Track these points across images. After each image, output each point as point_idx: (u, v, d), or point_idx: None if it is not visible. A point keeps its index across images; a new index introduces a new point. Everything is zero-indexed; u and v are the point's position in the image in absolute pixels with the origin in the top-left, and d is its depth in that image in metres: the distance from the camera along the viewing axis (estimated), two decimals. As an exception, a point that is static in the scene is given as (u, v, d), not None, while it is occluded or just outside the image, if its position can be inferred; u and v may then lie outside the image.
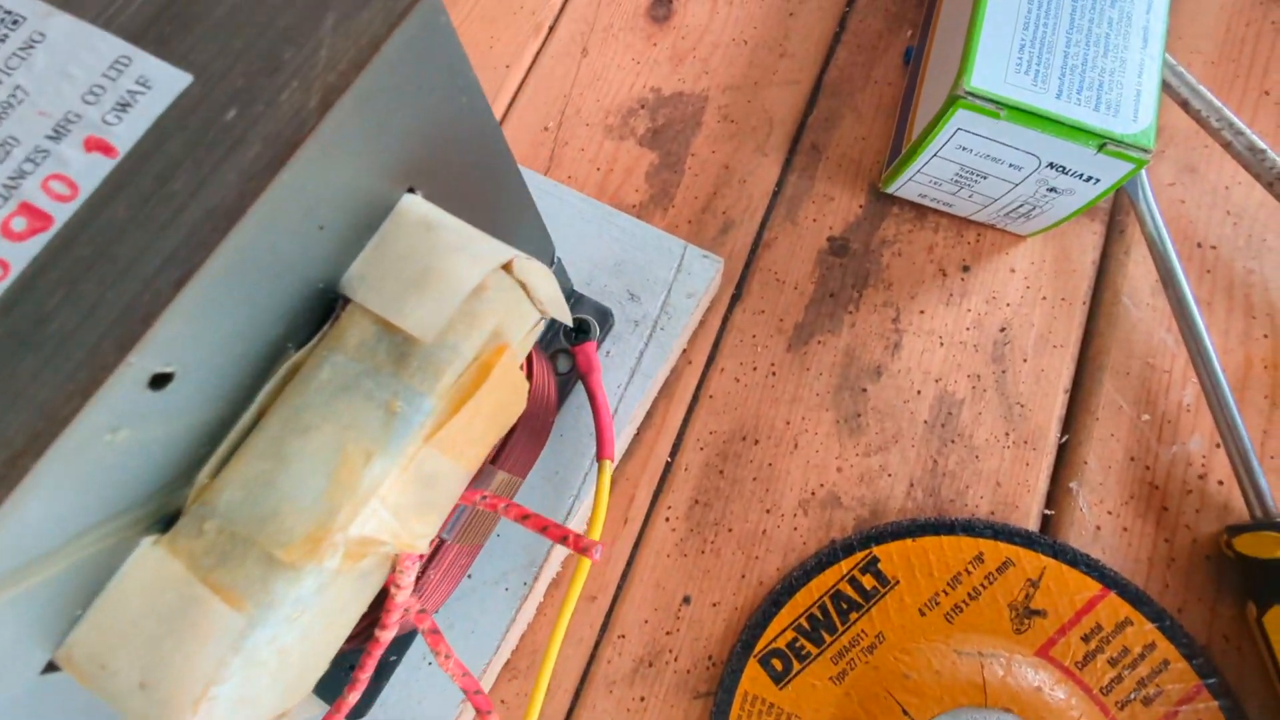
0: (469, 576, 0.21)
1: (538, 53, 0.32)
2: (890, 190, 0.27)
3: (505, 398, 0.13)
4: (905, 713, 0.21)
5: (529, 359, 0.17)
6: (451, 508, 0.14)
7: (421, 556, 0.14)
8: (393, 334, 0.12)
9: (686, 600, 0.24)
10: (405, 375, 0.12)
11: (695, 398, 0.26)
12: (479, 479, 0.16)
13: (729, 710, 0.22)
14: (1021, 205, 0.25)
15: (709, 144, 0.30)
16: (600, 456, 0.21)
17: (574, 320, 0.23)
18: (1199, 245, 0.26)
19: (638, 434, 0.25)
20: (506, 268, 0.13)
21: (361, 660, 0.15)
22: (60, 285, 0.10)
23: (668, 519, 0.25)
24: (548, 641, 0.20)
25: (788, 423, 0.25)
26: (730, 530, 0.24)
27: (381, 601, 0.14)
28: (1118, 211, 0.27)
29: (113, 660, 0.11)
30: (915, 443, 0.25)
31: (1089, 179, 0.22)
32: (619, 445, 0.23)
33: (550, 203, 0.25)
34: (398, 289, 0.12)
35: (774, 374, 0.26)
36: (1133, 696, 0.21)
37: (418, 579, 0.15)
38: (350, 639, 0.15)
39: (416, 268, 0.12)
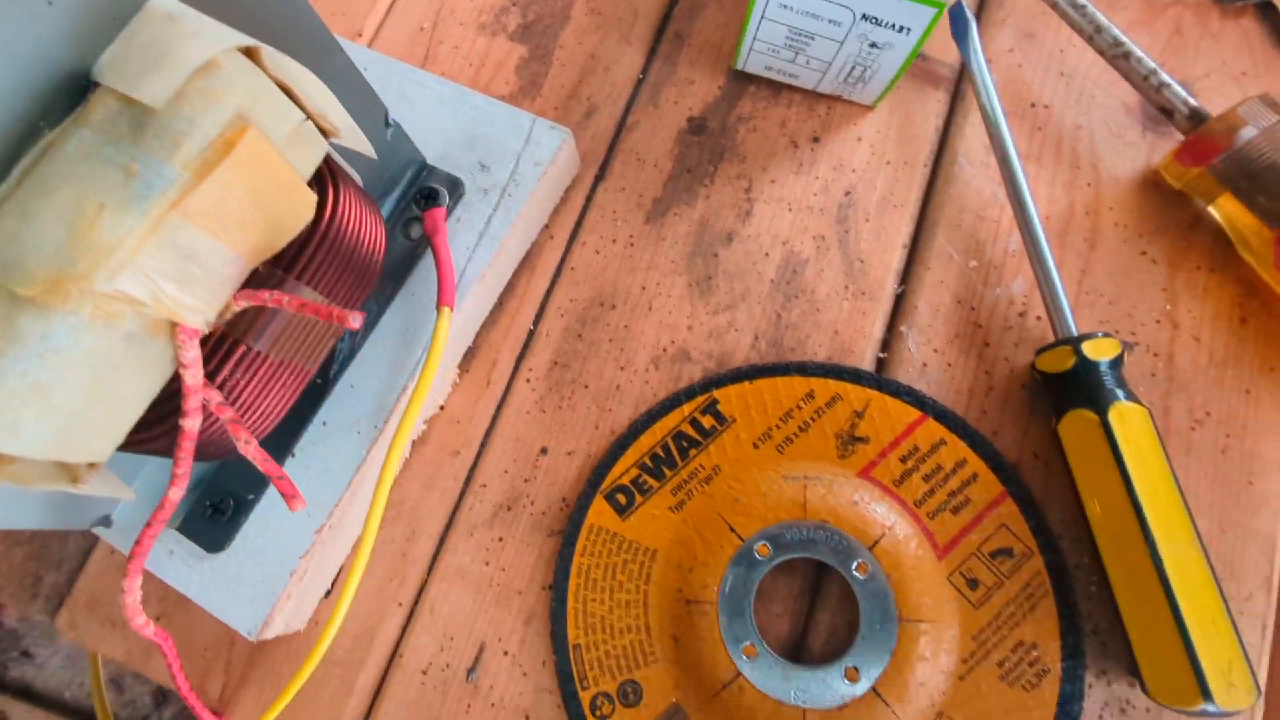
0: (324, 424, 0.23)
1: (413, -42, 0.32)
2: (740, 66, 0.28)
3: (265, 184, 0.15)
4: (733, 530, 0.22)
5: (334, 187, 0.18)
6: (226, 292, 0.15)
7: (197, 333, 0.15)
8: (133, 108, 0.13)
9: (544, 451, 0.25)
10: (143, 143, 0.13)
11: (558, 270, 0.27)
12: (273, 284, 0.17)
13: (575, 541, 0.23)
14: (854, 67, 0.26)
15: (576, 36, 0.31)
16: (440, 303, 0.22)
17: (424, 189, 0.25)
18: (1032, 105, 0.28)
19: (500, 304, 0.27)
20: (252, 55, 0.14)
21: (175, 454, 0.16)
22: None
23: (528, 380, 0.26)
24: (376, 483, 0.22)
25: (643, 288, 0.27)
26: (586, 387, 0.26)
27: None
28: (961, 81, 0.29)
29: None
30: (761, 300, 0.26)
31: (901, 29, 0.23)
32: (472, 307, 0.25)
33: (409, 87, 0.27)
34: (137, 69, 0.13)
35: (632, 245, 0.27)
36: (943, 507, 0.22)
37: (222, 378, 0.17)
38: (155, 436, 0.17)
39: (156, 51, 0.13)
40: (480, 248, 0.24)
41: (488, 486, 0.25)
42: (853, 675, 0.21)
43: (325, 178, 0.18)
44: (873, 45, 0.24)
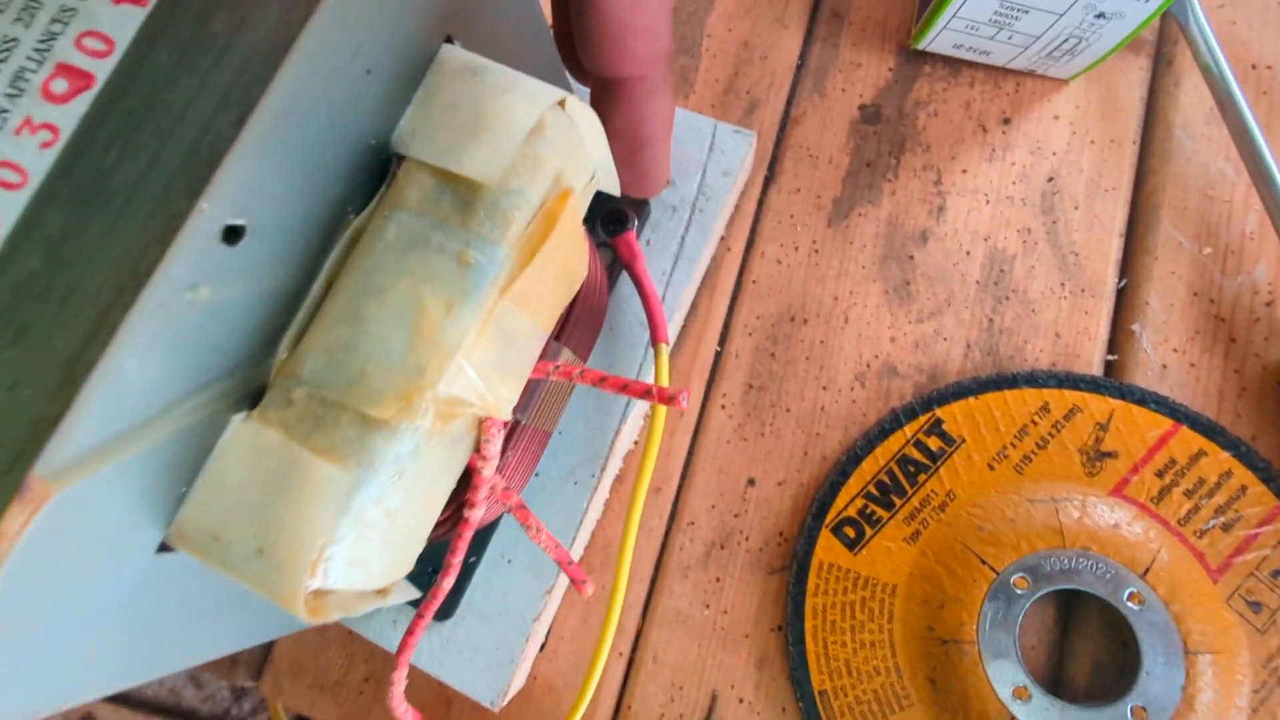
0: (536, 475, 0.21)
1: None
2: (921, 46, 0.25)
3: (571, 252, 0.13)
4: (984, 562, 0.21)
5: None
6: (529, 373, 0.14)
7: (505, 424, 0.13)
8: (454, 184, 0.11)
9: (751, 482, 0.24)
10: (474, 225, 0.11)
11: (738, 284, 0.25)
12: (547, 353, 0.16)
13: (806, 580, 0.22)
14: (1066, 40, 0.23)
15: (724, 22, 0.28)
16: (655, 340, 0.21)
17: (609, 211, 0.23)
18: (1253, 67, 0.25)
19: (684, 326, 0.25)
20: (561, 106, 0.12)
21: (453, 543, 0.15)
22: (116, 139, 0.09)
23: (723, 406, 0.24)
24: (622, 532, 0.20)
25: (835, 298, 0.25)
26: (788, 410, 0.24)
27: (467, 481, 0.14)
28: (1164, 43, 0.26)
29: (225, 531, 0.11)
30: (969, 304, 0.24)
31: (1142, -5, 0.21)
32: (670, 333, 0.23)
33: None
34: (453, 137, 0.11)
35: (816, 251, 0.25)
36: (1211, 524, 0.21)
37: (501, 460, 0.15)
38: (437, 527, 0.15)
39: (468, 113, 0.11)
40: (677, 271, 0.23)
41: (696, 524, 0.24)
42: (1140, 715, 0.19)
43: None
44: (1099, 16, 0.22)
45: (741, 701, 0.22)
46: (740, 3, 0.28)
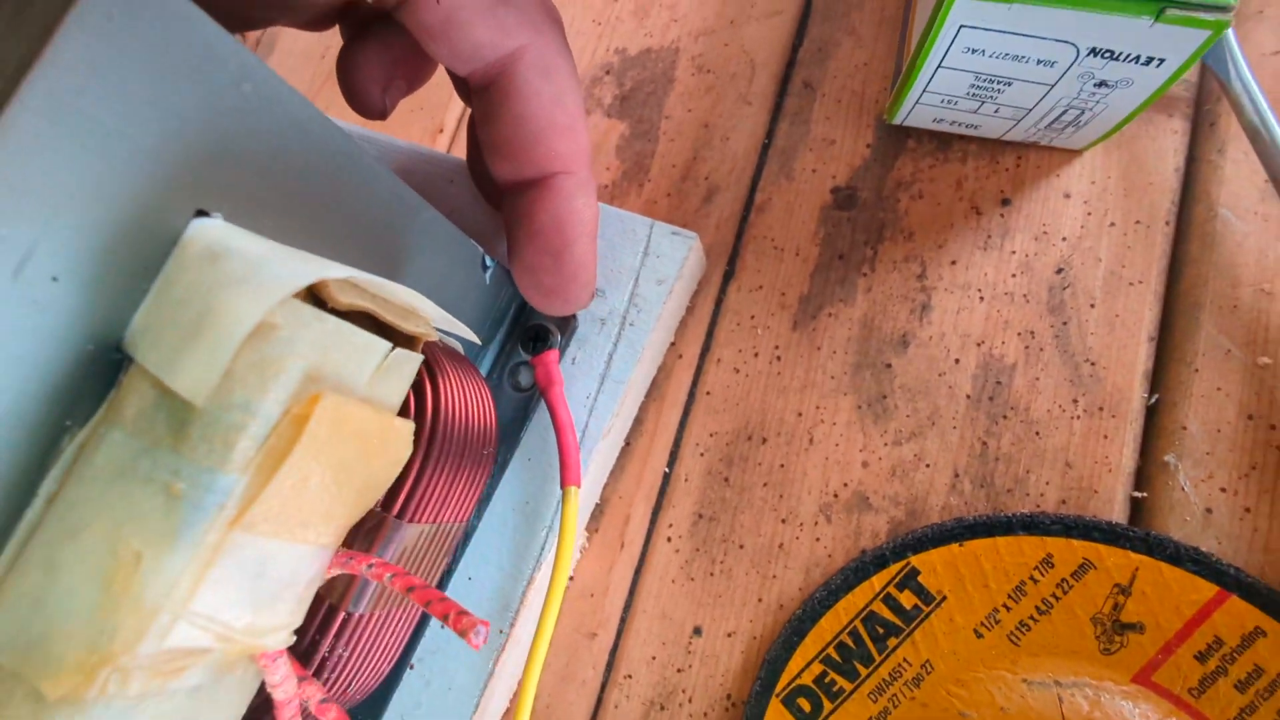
0: (442, 627, 0.19)
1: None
2: (897, 121, 0.22)
3: (350, 449, 0.11)
4: (964, 760, 0.17)
5: (432, 387, 0.14)
6: (309, 592, 0.12)
7: (283, 651, 0.11)
8: (170, 399, 0.10)
9: (697, 631, 0.21)
10: (185, 450, 0.09)
11: (691, 396, 0.23)
12: (383, 539, 0.14)
13: (752, 760, 0.19)
14: (1066, 111, 0.19)
15: (684, 102, 0.26)
16: (564, 483, 0.18)
17: (530, 328, 0.21)
18: (1325, 126, 0.20)
19: (628, 444, 0.23)
20: (318, 291, 0.10)
21: None
22: None
23: (670, 539, 0.22)
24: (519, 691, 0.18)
25: (799, 414, 0.22)
26: (741, 547, 0.21)
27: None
28: (1204, 100, 0.21)
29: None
30: (957, 423, 0.20)
31: (1149, 61, 0.17)
32: (599, 460, 0.21)
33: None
34: (174, 340, 0.10)
35: (779, 359, 0.22)
36: (1274, 731, 0.16)
37: (321, 663, 0.13)
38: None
39: (194, 312, 0.10)
40: (603, 394, 0.20)
41: (634, 678, 0.21)
42: None
43: (421, 379, 0.15)
44: (1100, 85, 0.18)
45: None
46: (701, 80, 0.26)
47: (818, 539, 0.20)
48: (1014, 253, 0.21)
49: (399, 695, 0.19)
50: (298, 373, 0.10)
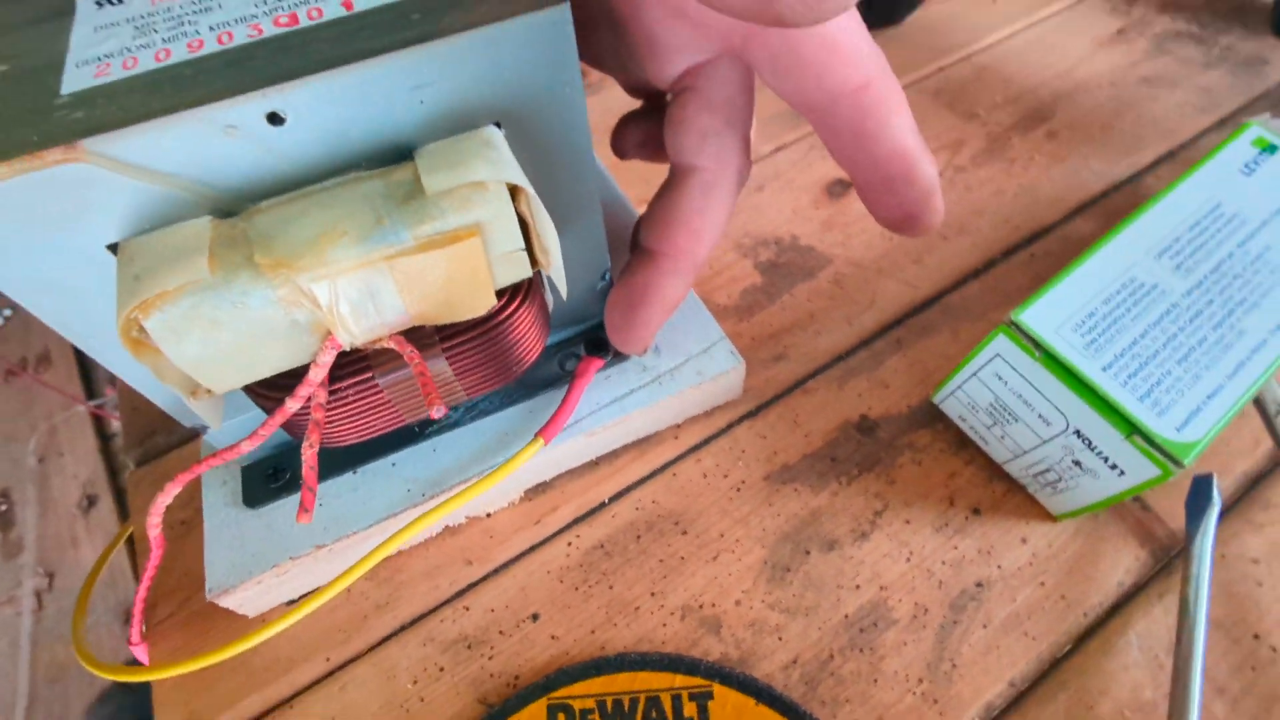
0: (393, 465, 0.25)
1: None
2: (936, 400, 0.27)
3: (461, 277, 0.17)
4: None
5: (517, 303, 0.21)
6: (384, 332, 0.18)
7: (339, 347, 0.17)
8: (417, 184, 0.17)
9: (535, 617, 0.24)
10: (403, 209, 0.16)
11: (661, 468, 0.27)
12: (430, 352, 0.20)
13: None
14: (1049, 470, 0.23)
15: (809, 293, 0.32)
16: (540, 433, 0.23)
17: (597, 338, 0.27)
18: (1256, 637, 0.22)
19: (595, 464, 0.27)
20: (515, 193, 0.17)
21: (266, 419, 0.19)
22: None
23: (570, 543, 0.26)
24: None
25: (721, 535, 0.25)
26: (611, 587, 0.25)
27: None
28: (1175, 556, 0.24)
29: (136, 256, 0.16)
30: (823, 628, 0.23)
31: (1114, 467, 0.21)
32: (570, 450, 0.26)
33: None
34: (439, 162, 0.17)
35: (738, 490, 0.27)
36: None
37: (337, 386, 0.19)
38: (270, 396, 0.19)
39: (459, 156, 0.17)
40: (606, 410, 0.26)
41: (470, 610, 0.24)
42: None
43: (520, 291, 0.21)
44: (1076, 463, 0.22)
45: (360, 785, 0.21)
46: (831, 289, 0.32)
47: (664, 623, 0.24)
48: (956, 548, 0.25)
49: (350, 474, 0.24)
50: (474, 216, 0.17)
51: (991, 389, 0.23)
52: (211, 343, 0.16)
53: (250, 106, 0.15)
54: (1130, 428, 0.20)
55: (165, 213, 0.16)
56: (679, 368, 0.26)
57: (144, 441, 0.30)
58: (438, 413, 0.17)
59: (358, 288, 0.16)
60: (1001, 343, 0.22)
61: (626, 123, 0.26)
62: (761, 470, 0.27)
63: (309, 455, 0.19)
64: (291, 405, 0.19)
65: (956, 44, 0.43)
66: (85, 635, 0.24)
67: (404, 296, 0.17)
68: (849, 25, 0.16)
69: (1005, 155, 0.37)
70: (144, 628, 0.24)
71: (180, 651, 0.24)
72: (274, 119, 0.16)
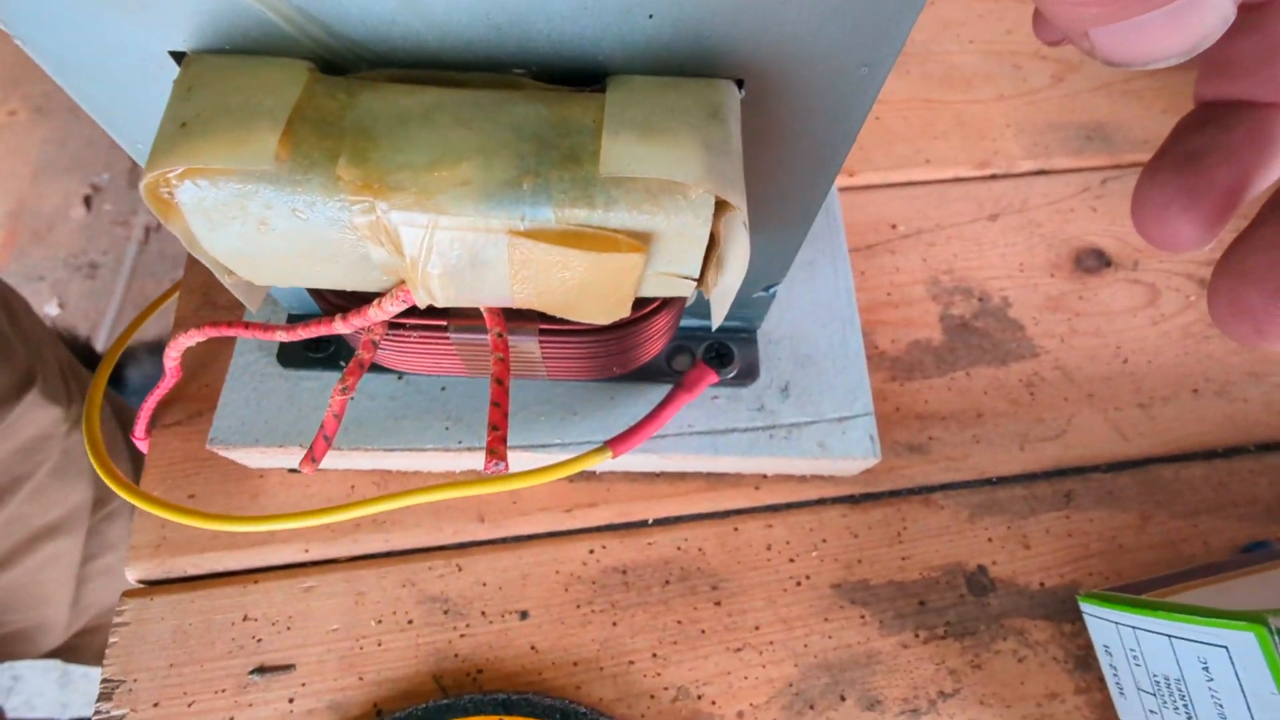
0: (442, 389, 0.21)
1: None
2: (1083, 604, 0.21)
3: (595, 287, 0.12)
4: None
5: (650, 311, 0.15)
6: (477, 303, 0.13)
7: (409, 302, 0.13)
8: (593, 143, 0.11)
9: (524, 615, 0.21)
10: (557, 175, 0.11)
11: (725, 514, 0.23)
12: (519, 324, 0.15)
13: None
14: (1188, 781, 0.18)
15: (990, 383, 0.25)
16: (609, 443, 0.19)
17: (721, 347, 0.21)
18: None
19: (654, 478, 0.23)
20: (720, 208, 0.11)
21: (315, 325, 0.15)
22: None
23: (593, 550, 0.22)
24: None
25: (758, 628, 0.21)
26: (615, 624, 0.21)
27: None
28: None
29: (195, 88, 0.11)
30: None
31: None
32: (643, 458, 0.21)
33: (824, 266, 0.24)
34: (634, 118, 0.11)
35: (799, 585, 0.22)
36: None
37: (397, 328, 0.15)
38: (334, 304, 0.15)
39: (666, 123, 0.11)
40: (694, 441, 0.21)
41: (462, 570, 0.22)
42: None
43: (658, 302, 0.16)
44: (1239, 810, 0.16)
45: (288, 700, 0.20)
46: (1023, 397, 0.25)
47: (653, 696, 0.20)
48: None
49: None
50: (650, 225, 0.11)
51: (1183, 668, 0.17)
52: (253, 241, 0.12)
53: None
54: None
55: (256, 39, 0.12)
56: (801, 428, 0.21)
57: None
58: (493, 467, 0.13)
59: (459, 252, 0.12)
60: (1242, 639, 0.16)
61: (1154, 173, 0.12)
62: (834, 574, 0.22)
63: (337, 402, 0.15)
64: (340, 327, 0.15)
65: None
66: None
67: (514, 281, 0.12)
68: None
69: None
70: (149, 425, 0.23)
71: (176, 467, 0.23)
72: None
